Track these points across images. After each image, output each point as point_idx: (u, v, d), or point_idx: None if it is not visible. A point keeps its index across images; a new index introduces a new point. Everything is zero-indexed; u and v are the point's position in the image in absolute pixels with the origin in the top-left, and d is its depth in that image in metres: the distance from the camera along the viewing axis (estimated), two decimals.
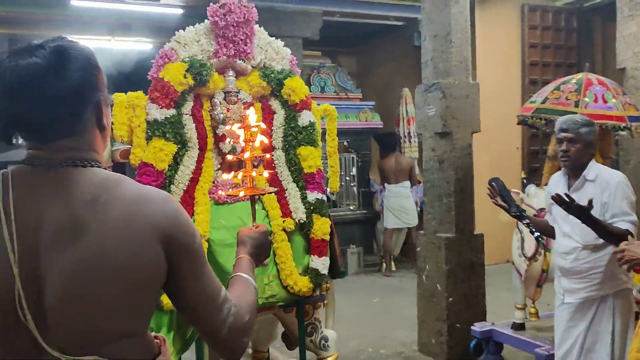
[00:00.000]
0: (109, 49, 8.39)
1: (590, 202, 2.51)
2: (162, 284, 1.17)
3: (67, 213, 1.08)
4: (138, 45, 8.65)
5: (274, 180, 3.03)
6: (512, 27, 7.98)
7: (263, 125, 1.75)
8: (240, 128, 1.67)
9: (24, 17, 7.24)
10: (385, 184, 7.72)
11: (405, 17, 7.83)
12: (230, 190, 2.29)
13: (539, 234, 2.91)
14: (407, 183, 7.64)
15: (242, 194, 1.75)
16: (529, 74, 8.08)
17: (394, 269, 7.88)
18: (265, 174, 1.94)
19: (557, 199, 2.55)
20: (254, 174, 1.69)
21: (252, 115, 1.70)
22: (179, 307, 1.24)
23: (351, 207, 8.22)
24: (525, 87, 8.05)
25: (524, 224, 3.01)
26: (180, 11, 7.12)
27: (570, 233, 2.83)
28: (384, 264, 7.85)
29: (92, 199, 1.09)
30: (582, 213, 2.54)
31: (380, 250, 8.12)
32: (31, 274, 1.06)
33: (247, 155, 1.65)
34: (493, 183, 3.10)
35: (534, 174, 7.64)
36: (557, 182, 2.98)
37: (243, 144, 1.67)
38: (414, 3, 7.58)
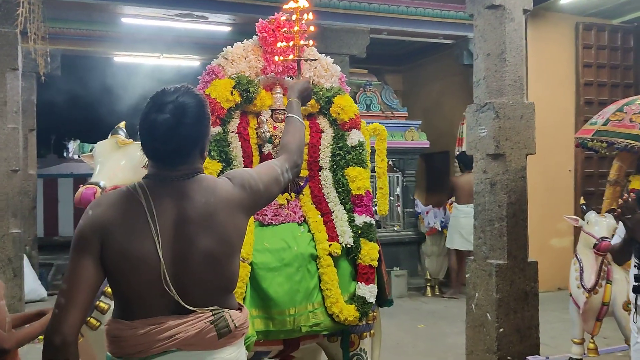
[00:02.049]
0: (159, 65, 8.54)
1: None
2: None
3: (194, 211, 1.58)
4: (186, 62, 8.78)
5: (321, 202, 2.91)
6: (566, 46, 7.73)
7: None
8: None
9: (76, 33, 7.43)
10: (455, 203, 7.45)
11: (453, 35, 7.67)
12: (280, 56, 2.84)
13: None
14: None
15: (291, 57, 2.55)
16: (583, 94, 7.78)
17: (437, 293, 7.66)
18: (311, 42, 2.66)
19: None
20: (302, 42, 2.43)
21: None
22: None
23: (395, 228, 8.02)
24: (579, 108, 7.76)
25: None
26: (228, 28, 7.15)
27: None
28: (429, 288, 7.66)
29: (205, 203, 1.60)
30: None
31: (424, 273, 7.90)
32: (172, 257, 1.55)
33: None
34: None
35: (588, 199, 7.30)
36: None
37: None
38: (463, 21, 7.43)
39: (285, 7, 2.59)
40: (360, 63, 7.95)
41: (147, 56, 8.35)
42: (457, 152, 8.16)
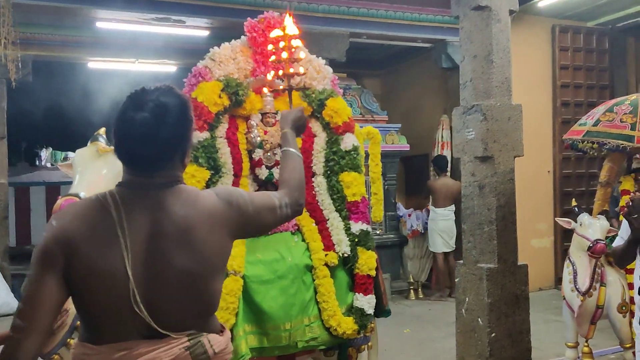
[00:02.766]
0: (134, 71, 8.33)
1: None
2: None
3: (170, 224, 1.43)
4: (163, 68, 8.58)
5: (315, 210, 2.80)
6: (543, 49, 7.80)
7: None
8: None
9: (48, 38, 7.22)
10: (433, 207, 7.53)
11: (432, 38, 7.66)
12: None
13: None
14: (454, 207, 7.41)
15: (281, 87, 2.16)
16: (560, 95, 7.87)
17: (421, 296, 7.65)
18: (301, 69, 2.36)
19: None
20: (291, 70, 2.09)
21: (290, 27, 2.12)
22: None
23: (377, 232, 7.95)
24: (556, 109, 7.84)
25: None
26: (206, 33, 7.00)
27: None
28: (412, 291, 7.66)
29: (183, 216, 1.44)
30: None
31: (407, 276, 7.86)
32: (143, 275, 1.40)
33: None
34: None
35: (566, 199, 7.35)
36: None
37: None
38: (442, 25, 7.43)
39: (271, 35, 2.38)
40: (339, 67, 7.84)
41: (122, 62, 8.14)
42: (434, 156, 8.17)
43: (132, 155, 1.46)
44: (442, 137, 8.22)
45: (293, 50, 2.24)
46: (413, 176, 9.47)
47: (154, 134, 1.42)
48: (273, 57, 2.50)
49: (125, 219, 1.41)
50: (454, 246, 7.41)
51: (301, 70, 2.41)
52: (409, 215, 7.74)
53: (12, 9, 5.44)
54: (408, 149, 8.14)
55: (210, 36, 6.96)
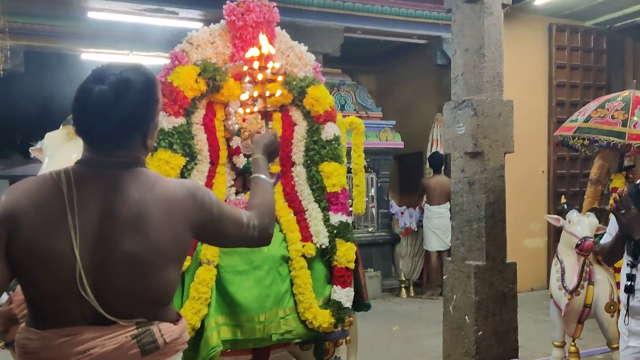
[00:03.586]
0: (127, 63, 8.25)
1: None
2: (187, 256, 1.54)
3: (123, 207, 1.36)
4: (157, 60, 8.50)
5: (293, 200, 2.73)
6: (539, 47, 7.74)
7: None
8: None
9: (40, 29, 7.11)
10: (427, 205, 7.47)
11: (427, 35, 7.59)
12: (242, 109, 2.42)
13: None
14: (449, 204, 7.35)
15: (256, 109, 2.07)
16: (556, 95, 7.81)
17: (412, 294, 7.59)
18: (278, 92, 2.27)
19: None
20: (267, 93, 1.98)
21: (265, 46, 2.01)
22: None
23: (369, 229, 7.90)
24: (552, 109, 7.78)
25: None
26: (199, 25, 6.86)
27: None
28: (403, 289, 7.60)
29: (138, 199, 1.37)
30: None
31: (398, 274, 7.80)
32: (91, 257, 1.33)
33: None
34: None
35: (559, 200, 7.27)
36: None
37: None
38: (437, 21, 7.37)
39: (247, 55, 2.19)
40: (334, 63, 7.81)
41: (115, 53, 8.05)
42: (430, 154, 8.12)
43: (87, 130, 1.40)
44: (438, 135, 8.16)
45: (268, 70, 2.05)
46: (407, 174, 9.42)
47: (111, 109, 1.35)
48: (247, 78, 2.42)
49: (77, 197, 1.34)
50: (449, 244, 7.31)
51: (278, 92, 2.31)
52: (402, 213, 7.68)
53: None
54: (402, 147, 8.08)
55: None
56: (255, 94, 1.95)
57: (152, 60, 8.47)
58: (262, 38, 2.04)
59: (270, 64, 2.00)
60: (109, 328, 1.35)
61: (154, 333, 1.39)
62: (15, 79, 7.38)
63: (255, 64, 1.97)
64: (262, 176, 1.78)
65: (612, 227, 2.54)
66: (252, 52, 2.04)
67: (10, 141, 15.11)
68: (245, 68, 2.32)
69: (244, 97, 2.28)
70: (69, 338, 1.33)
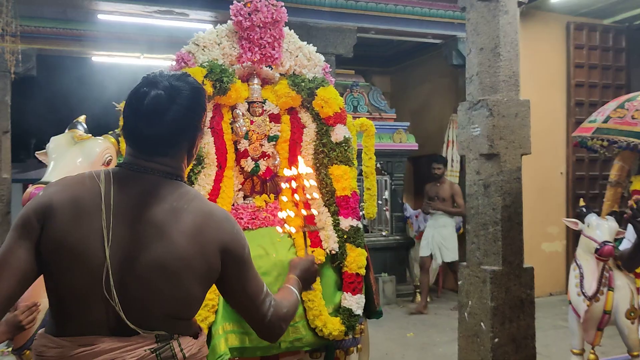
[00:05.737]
0: (140, 66, 8.25)
1: None
2: (213, 283, 1.45)
3: (158, 213, 1.34)
4: (168, 63, 8.49)
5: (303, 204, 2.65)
6: (557, 46, 7.60)
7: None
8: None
9: (52, 32, 7.15)
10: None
11: (442, 34, 7.48)
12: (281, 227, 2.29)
13: None
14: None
15: (293, 230, 1.94)
16: (574, 95, 7.66)
17: (428, 300, 7.43)
18: (314, 211, 2.22)
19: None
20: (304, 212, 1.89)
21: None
22: (229, 302, 1.56)
23: (383, 233, 7.80)
24: (570, 109, 7.63)
25: None
26: (210, 26, 6.85)
27: None
28: (418, 294, 7.42)
29: (175, 207, 1.36)
30: None
31: (413, 279, 7.68)
32: (120, 259, 1.31)
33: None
34: None
35: (577, 202, 7.12)
36: None
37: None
38: (452, 20, 7.26)
39: (285, 173, 2.15)
40: (347, 64, 7.75)
41: (126, 56, 8.06)
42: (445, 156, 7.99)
43: (137, 134, 1.40)
44: (454, 136, 8.02)
45: (305, 190, 2.05)
46: (421, 176, 9.30)
47: (164, 111, 1.37)
48: (285, 198, 2.26)
49: (113, 197, 1.34)
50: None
51: (314, 212, 2.28)
52: (417, 217, 7.56)
53: (13, 0, 5.37)
54: (416, 148, 7.97)
55: None
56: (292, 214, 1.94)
57: (163, 63, 8.48)
58: (300, 159, 2.05)
59: (306, 182, 2.00)
60: (128, 340, 1.32)
61: (173, 347, 1.37)
62: (27, 82, 7.41)
63: (293, 184, 1.95)
64: (295, 289, 1.71)
65: (630, 233, 2.46)
66: (286, 171, 2.07)
67: (25, 145, 15.24)
68: (285, 185, 2.15)
69: (281, 215, 2.17)
70: (86, 349, 1.30)
